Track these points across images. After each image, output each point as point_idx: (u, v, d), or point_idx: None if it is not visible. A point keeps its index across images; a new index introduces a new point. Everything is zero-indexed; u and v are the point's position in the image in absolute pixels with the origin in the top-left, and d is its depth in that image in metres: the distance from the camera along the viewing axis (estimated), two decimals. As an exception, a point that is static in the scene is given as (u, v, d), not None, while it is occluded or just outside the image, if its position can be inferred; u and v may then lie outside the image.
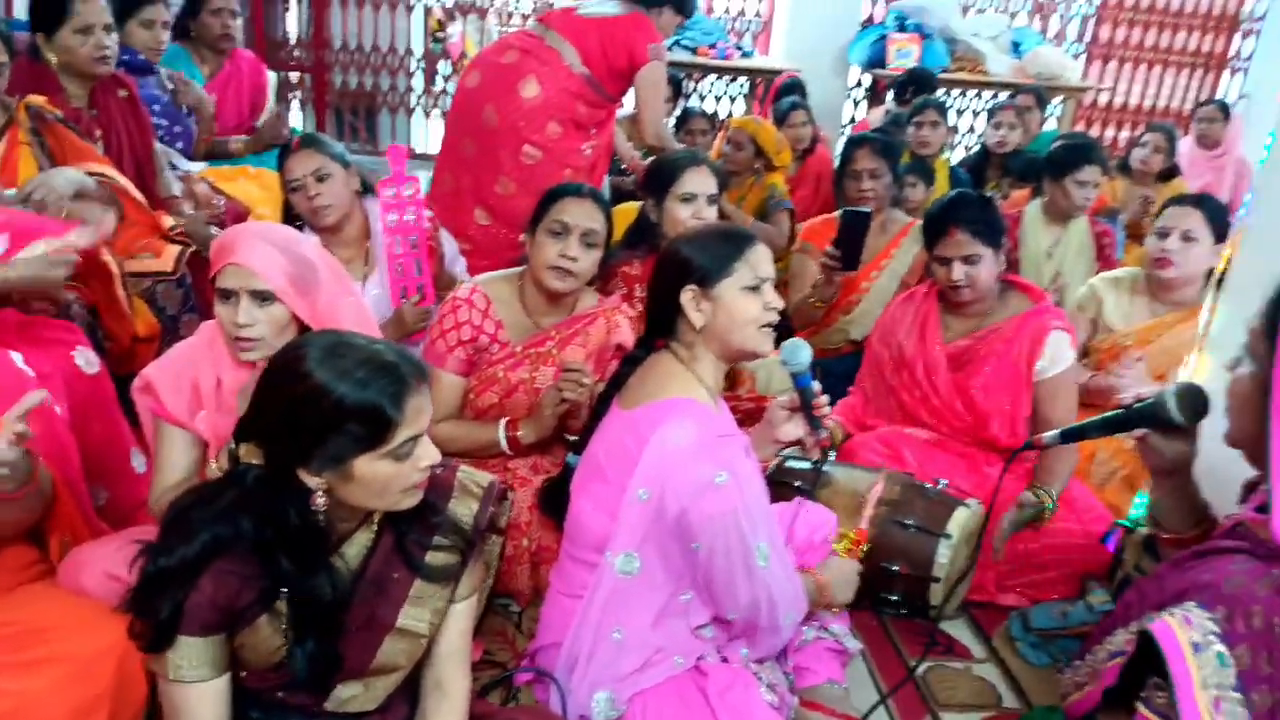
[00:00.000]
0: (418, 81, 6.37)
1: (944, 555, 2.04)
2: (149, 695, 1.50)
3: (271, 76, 3.82)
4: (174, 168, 3.03)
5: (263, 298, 1.65)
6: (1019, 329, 2.37)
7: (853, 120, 6.54)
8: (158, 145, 2.91)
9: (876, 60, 5.82)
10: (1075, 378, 2.43)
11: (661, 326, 1.71)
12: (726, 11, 6.43)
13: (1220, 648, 1.00)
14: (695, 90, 6.43)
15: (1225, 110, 5.05)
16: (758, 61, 6.01)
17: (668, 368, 1.68)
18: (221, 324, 1.69)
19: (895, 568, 2.08)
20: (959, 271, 2.33)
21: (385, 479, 1.25)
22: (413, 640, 1.38)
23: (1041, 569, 2.26)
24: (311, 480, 1.23)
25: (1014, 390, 2.37)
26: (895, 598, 2.12)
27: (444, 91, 6.46)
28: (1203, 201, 2.65)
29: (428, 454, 1.27)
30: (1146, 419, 1.37)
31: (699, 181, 2.49)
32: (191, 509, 1.27)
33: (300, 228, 2.51)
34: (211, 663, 1.27)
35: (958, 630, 2.18)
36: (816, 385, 1.73)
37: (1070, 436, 1.54)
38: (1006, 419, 2.38)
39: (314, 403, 1.20)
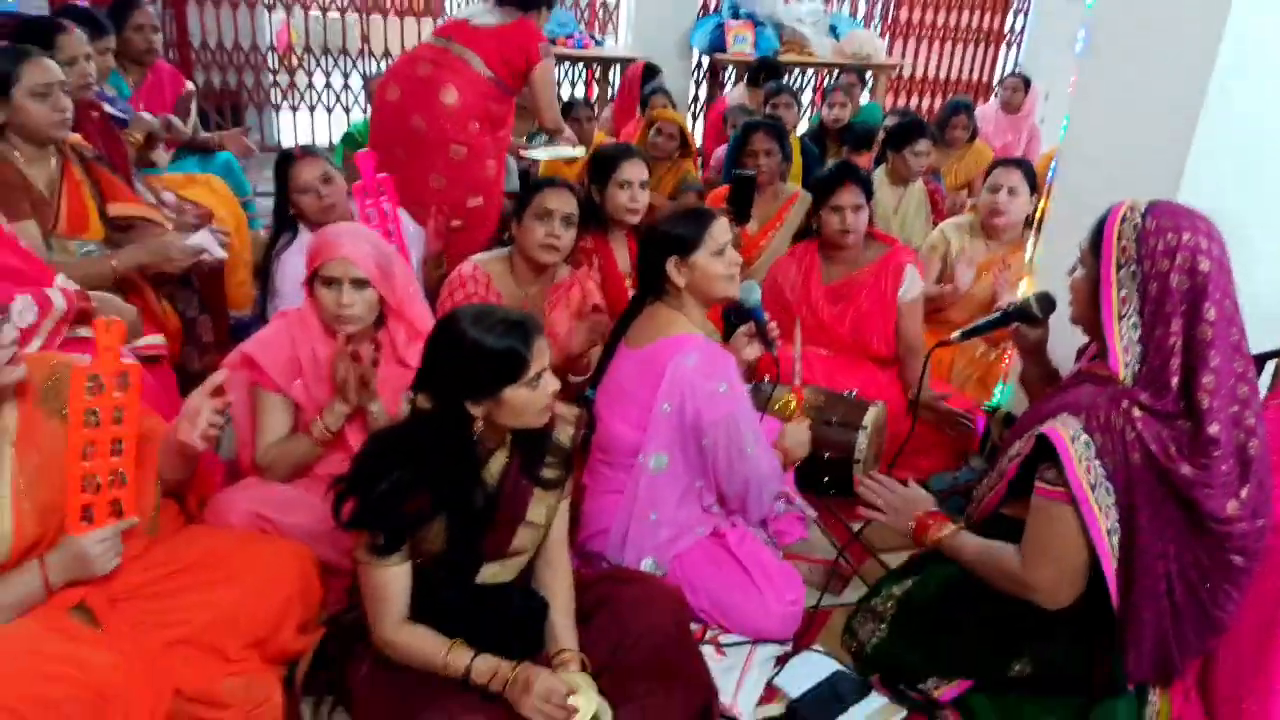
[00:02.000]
0: (282, 78, 6.54)
1: (862, 442, 2.70)
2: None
3: (189, 85, 4.03)
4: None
5: (360, 284, 2.08)
6: (883, 266, 3.06)
7: (696, 99, 7.22)
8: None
9: (717, 45, 6.49)
10: (920, 304, 3.10)
11: (652, 287, 2.25)
12: (576, 4, 6.92)
13: (1085, 437, 1.67)
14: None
15: (1027, 82, 5.99)
16: (610, 50, 6.55)
17: (666, 315, 2.22)
18: (322, 305, 2.10)
19: (826, 455, 2.71)
20: (850, 219, 2.98)
21: (525, 402, 1.70)
22: (536, 529, 1.86)
23: (929, 450, 2.96)
24: (475, 409, 1.69)
25: (885, 314, 3.06)
26: (826, 479, 2.77)
27: (309, 87, 6.65)
28: (1020, 164, 3.43)
29: (552, 382, 1.74)
30: (1017, 316, 2.05)
31: (634, 170, 3.00)
32: (390, 444, 1.70)
33: (295, 227, 2.88)
34: (403, 552, 1.72)
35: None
36: (766, 314, 2.33)
37: (969, 335, 2.20)
38: (883, 337, 3.08)
39: (473, 352, 1.65)
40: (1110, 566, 1.67)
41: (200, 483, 2.07)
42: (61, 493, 1.68)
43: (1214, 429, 1.61)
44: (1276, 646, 1.81)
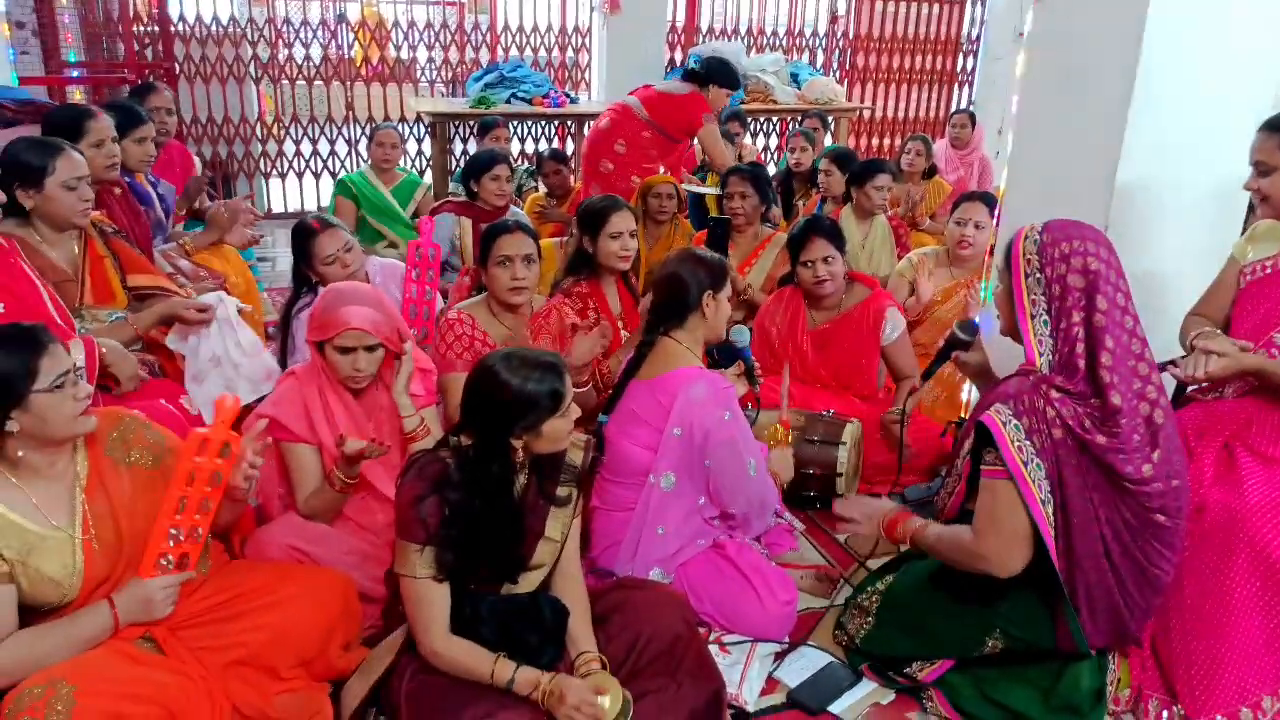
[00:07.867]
0: (271, 147, 6.81)
1: (843, 456, 2.93)
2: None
3: (197, 160, 4.27)
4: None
5: (371, 348, 2.32)
6: (864, 311, 3.29)
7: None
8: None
9: (685, 98, 6.79)
10: (906, 336, 3.34)
11: (671, 320, 2.47)
12: (549, 64, 7.24)
13: (1015, 421, 1.92)
14: (514, 134, 7.17)
15: (973, 118, 6.35)
16: (584, 107, 6.85)
17: (674, 349, 2.46)
18: (336, 367, 2.33)
19: (810, 471, 2.94)
20: (822, 269, 3.23)
21: (561, 430, 1.92)
22: (553, 544, 2.05)
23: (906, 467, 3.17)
24: (516, 443, 1.90)
25: (868, 358, 3.31)
26: (812, 494, 2.99)
27: (297, 154, 6.92)
28: (984, 197, 3.70)
29: (575, 410, 1.97)
30: (951, 346, 2.32)
31: (623, 222, 3.23)
32: (439, 476, 1.89)
33: (315, 288, 3.07)
34: (446, 566, 1.89)
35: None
36: (752, 355, 2.60)
37: (925, 377, 2.50)
38: (864, 379, 3.32)
39: (519, 396, 1.85)
40: (1048, 531, 1.92)
41: (240, 524, 2.27)
42: (124, 535, 1.86)
43: (1116, 399, 1.87)
44: (1231, 607, 2.03)
